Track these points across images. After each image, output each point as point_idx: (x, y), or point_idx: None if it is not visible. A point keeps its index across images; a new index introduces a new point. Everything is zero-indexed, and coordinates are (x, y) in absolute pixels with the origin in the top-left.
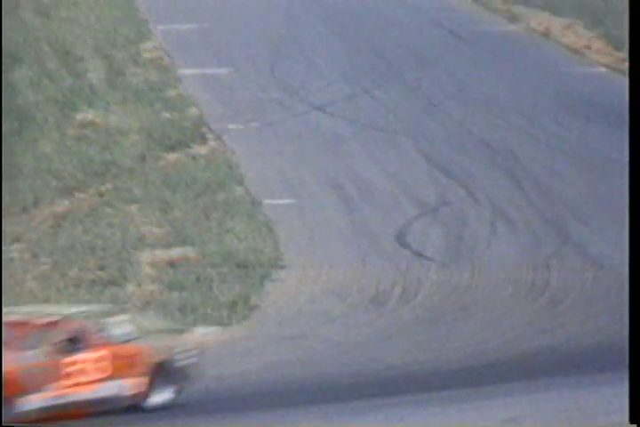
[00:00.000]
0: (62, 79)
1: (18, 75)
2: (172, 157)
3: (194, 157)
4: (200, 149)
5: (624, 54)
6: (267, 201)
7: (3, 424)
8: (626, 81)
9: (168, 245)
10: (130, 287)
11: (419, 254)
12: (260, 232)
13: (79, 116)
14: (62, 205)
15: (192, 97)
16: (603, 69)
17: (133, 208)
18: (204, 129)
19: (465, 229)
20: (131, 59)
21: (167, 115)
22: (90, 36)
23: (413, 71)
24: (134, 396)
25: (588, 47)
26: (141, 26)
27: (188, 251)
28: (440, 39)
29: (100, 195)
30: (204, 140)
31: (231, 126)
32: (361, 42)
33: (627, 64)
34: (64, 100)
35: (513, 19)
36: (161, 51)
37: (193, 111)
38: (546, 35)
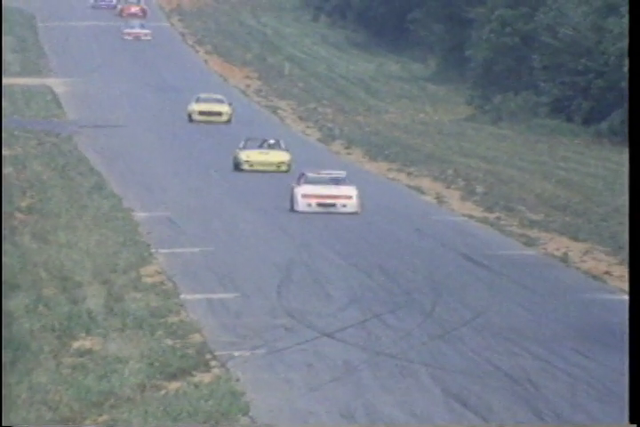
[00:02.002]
0: (60, 306)
1: (14, 302)
2: (173, 385)
3: (196, 386)
4: (203, 378)
5: None
6: None
7: (2, 424)
8: None
9: None
10: None
11: None
12: None
13: (76, 344)
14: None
15: (195, 323)
16: (625, 296)
17: None
18: (208, 356)
19: None
20: (131, 284)
21: (169, 342)
22: (89, 260)
23: (427, 296)
24: None
25: (609, 273)
26: (143, 250)
27: None
28: (454, 263)
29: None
30: (207, 367)
31: (236, 353)
32: (373, 266)
33: None
34: (61, 328)
35: (530, 243)
36: (163, 275)
37: (196, 338)
38: (564, 260)
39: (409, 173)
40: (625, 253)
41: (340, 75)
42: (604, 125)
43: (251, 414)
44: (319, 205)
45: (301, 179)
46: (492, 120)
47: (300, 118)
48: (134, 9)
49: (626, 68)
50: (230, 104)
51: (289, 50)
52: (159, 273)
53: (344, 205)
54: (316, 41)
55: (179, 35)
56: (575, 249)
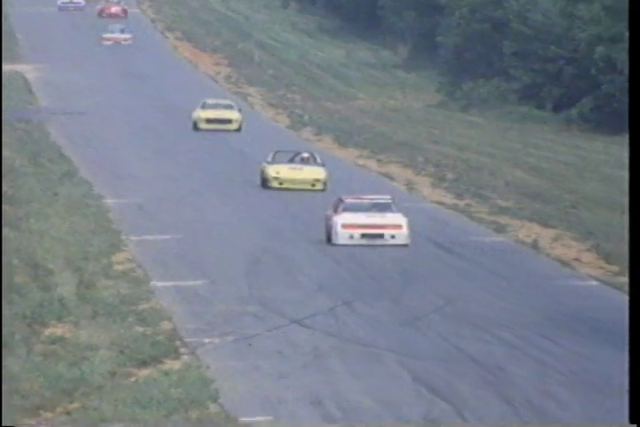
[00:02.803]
0: (31, 293)
1: None
2: (143, 372)
3: (166, 373)
4: (173, 365)
5: (616, 267)
6: (242, 418)
7: (2, 424)
8: (618, 295)
9: None
10: None
11: None
12: None
13: (47, 332)
14: (26, 425)
15: (165, 310)
16: (594, 283)
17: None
18: (178, 343)
19: None
20: (102, 271)
21: (139, 329)
22: (60, 248)
23: (397, 284)
24: None
25: (578, 260)
26: (114, 237)
27: None
28: (424, 250)
29: (68, 413)
30: (177, 354)
31: (206, 340)
32: (342, 253)
33: (619, 278)
34: (32, 315)
35: (500, 230)
36: (133, 263)
37: (166, 325)
38: (534, 246)
39: (379, 160)
40: (594, 240)
41: (309, 61)
42: (573, 112)
43: (220, 401)
44: (364, 236)
45: (339, 205)
46: (462, 107)
47: (270, 105)
48: (115, 9)
49: (596, 55)
50: (240, 110)
51: (259, 36)
52: (130, 260)
53: (393, 236)
54: (285, 27)
55: (149, 21)
56: (545, 236)
